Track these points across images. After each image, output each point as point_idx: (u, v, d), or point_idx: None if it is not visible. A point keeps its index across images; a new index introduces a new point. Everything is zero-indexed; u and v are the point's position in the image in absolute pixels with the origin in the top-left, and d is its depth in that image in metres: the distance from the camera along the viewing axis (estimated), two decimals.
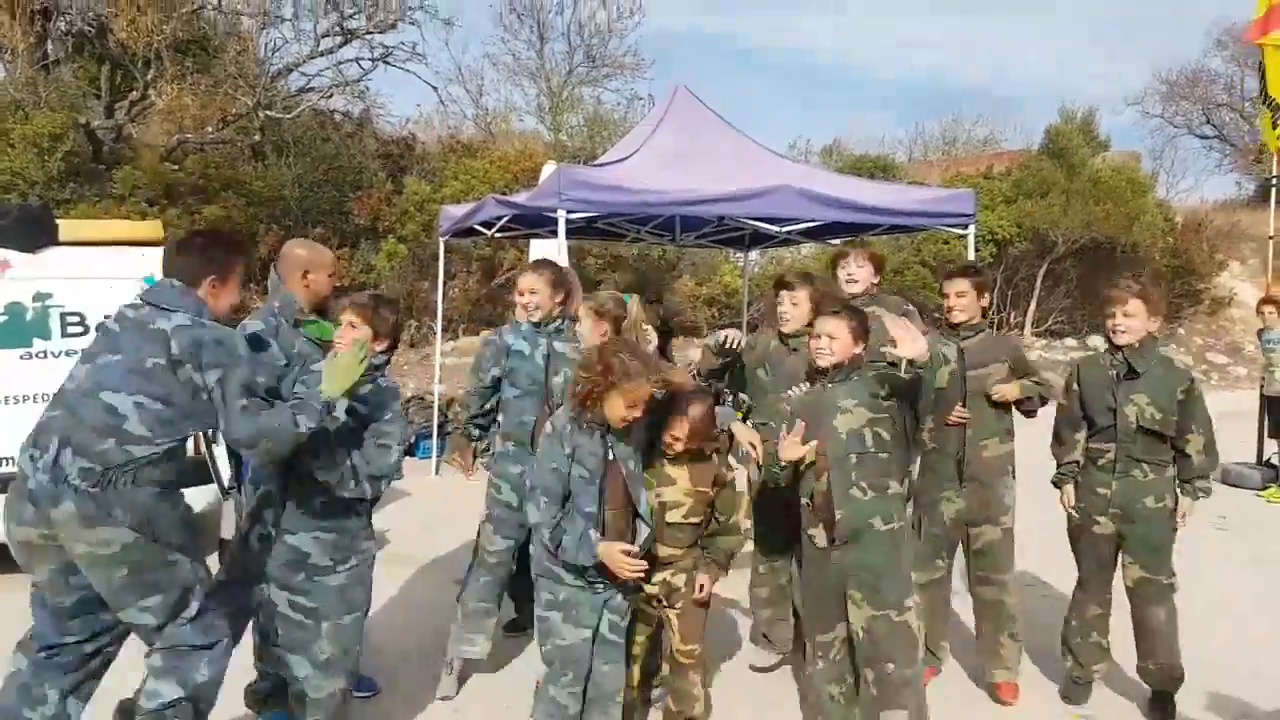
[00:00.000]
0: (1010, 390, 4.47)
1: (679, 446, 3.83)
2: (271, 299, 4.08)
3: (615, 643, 3.72)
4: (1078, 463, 4.46)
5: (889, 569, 3.65)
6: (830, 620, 3.78)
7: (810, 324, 4.24)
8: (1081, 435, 4.47)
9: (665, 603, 3.96)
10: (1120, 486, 4.30)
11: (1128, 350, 4.27)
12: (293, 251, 4.16)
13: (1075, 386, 4.48)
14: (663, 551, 3.87)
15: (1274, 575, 6.60)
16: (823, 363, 3.80)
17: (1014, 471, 4.60)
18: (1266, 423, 9.68)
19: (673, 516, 3.86)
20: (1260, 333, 9.65)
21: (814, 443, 3.73)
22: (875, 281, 4.85)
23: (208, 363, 3.15)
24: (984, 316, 4.64)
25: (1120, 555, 4.38)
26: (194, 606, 3.26)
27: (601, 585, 3.65)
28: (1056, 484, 4.55)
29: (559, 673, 3.64)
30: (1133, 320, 4.25)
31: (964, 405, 4.47)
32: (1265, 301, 9.56)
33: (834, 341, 3.76)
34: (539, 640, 3.73)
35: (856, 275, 4.79)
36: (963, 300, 4.54)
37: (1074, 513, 4.47)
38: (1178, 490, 4.31)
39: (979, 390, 4.48)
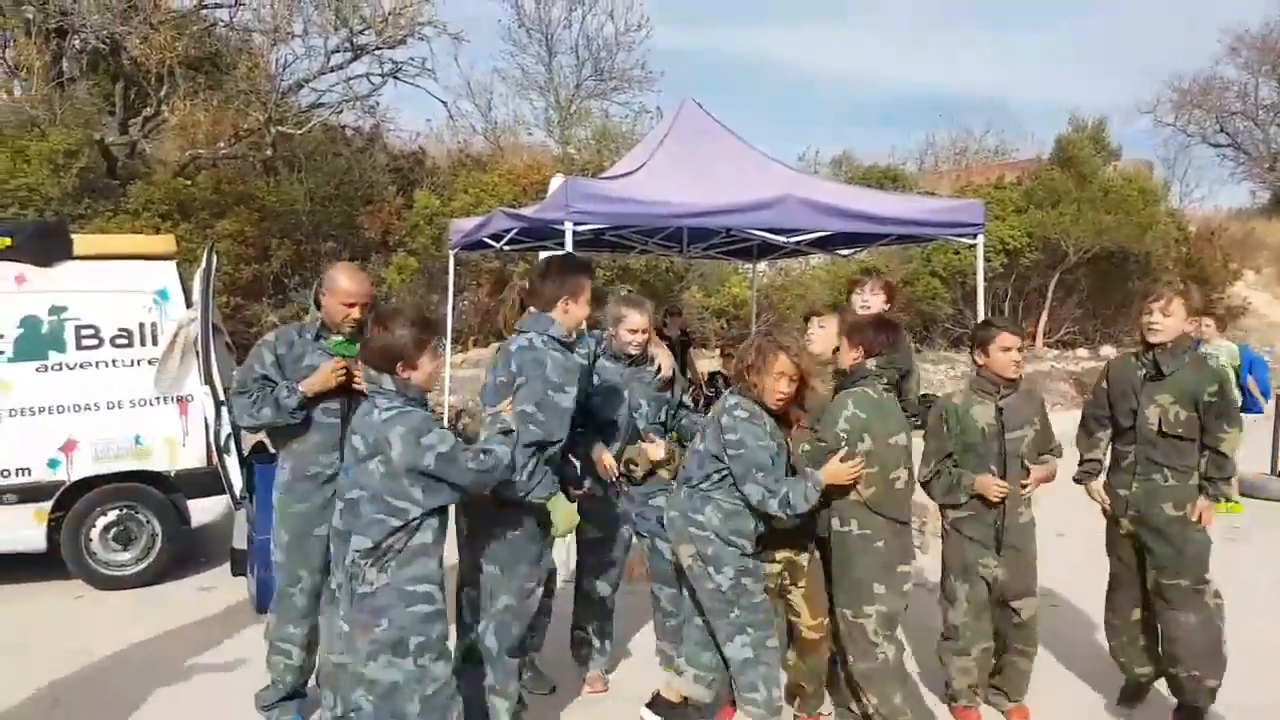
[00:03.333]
0: (1040, 478, 4.28)
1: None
2: (310, 316, 4.40)
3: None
4: (1099, 461, 4.42)
5: (843, 571, 4.01)
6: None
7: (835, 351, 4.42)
8: (1105, 434, 4.42)
9: (790, 580, 4.15)
10: (1140, 490, 4.22)
11: (1159, 350, 4.16)
12: (333, 276, 4.31)
13: (1104, 384, 4.42)
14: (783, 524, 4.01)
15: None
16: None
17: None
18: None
19: None
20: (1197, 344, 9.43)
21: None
22: (887, 309, 5.01)
23: None
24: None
25: (1144, 557, 4.28)
26: None
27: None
28: (1078, 481, 4.52)
29: (766, 625, 3.93)
30: (1170, 320, 4.14)
31: (1004, 472, 4.19)
32: (1201, 313, 9.21)
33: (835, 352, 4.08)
34: (731, 608, 3.92)
35: (870, 302, 5.07)
36: (1015, 355, 4.26)
37: (1105, 508, 4.40)
38: (1201, 490, 4.17)
39: (1015, 452, 4.21)
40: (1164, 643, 4.26)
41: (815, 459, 3.94)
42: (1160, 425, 4.13)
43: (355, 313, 4.18)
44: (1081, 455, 4.50)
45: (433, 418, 3.26)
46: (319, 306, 4.28)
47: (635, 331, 4.56)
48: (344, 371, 4.11)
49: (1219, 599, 4.21)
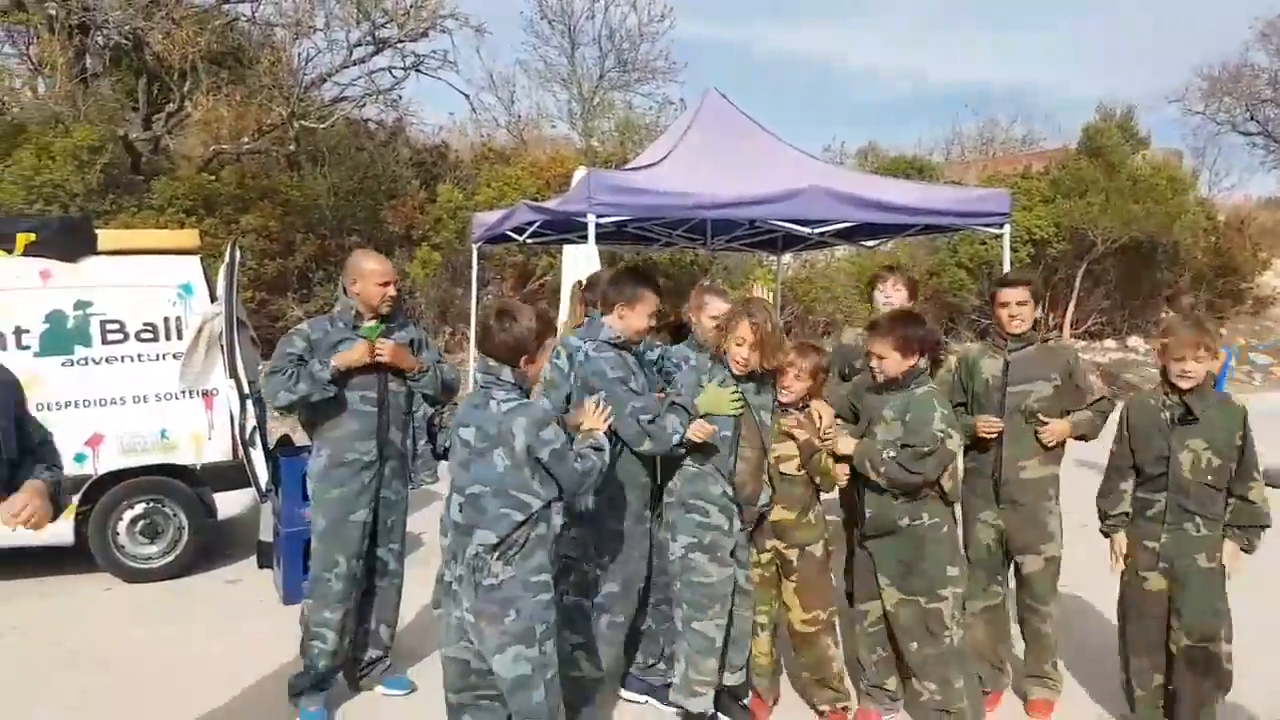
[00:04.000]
0: (1058, 431, 4.25)
1: (796, 387, 4.20)
2: (336, 305, 4.53)
3: (748, 591, 4.17)
4: (1127, 514, 4.12)
5: (915, 561, 4.05)
6: (863, 596, 4.28)
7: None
8: (1130, 485, 4.12)
9: (782, 573, 4.26)
10: (1170, 540, 3.95)
11: (1189, 394, 3.91)
12: (356, 261, 4.44)
13: (1125, 432, 4.12)
14: (776, 514, 4.18)
15: None
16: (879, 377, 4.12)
17: (1058, 495, 4.39)
18: None
19: (786, 468, 4.18)
20: None
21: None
22: (910, 305, 5.04)
23: None
24: (1034, 328, 4.38)
25: (1169, 617, 3.99)
26: None
27: (735, 527, 4.08)
28: (1106, 534, 4.22)
29: (704, 607, 3.99)
30: (1201, 365, 3.89)
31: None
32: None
33: (883, 361, 4.06)
34: (676, 579, 4.08)
35: (893, 298, 5.12)
36: (1023, 309, 4.30)
37: (1124, 564, 4.12)
38: (1224, 536, 3.93)
39: (1017, 407, 4.26)
40: (1179, 701, 4.01)
41: (907, 461, 3.96)
42: (1193, 471, 3.89)
43: (390, 290, 4.36)
44: (1106, 512, 4.19)
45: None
46: (347, 295, 4.38)
47: (716, 318, 4.21)
48: (374, 352, 4.28)
49: (1230, 662, 3.99)
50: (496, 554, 3.20)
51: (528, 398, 3.38)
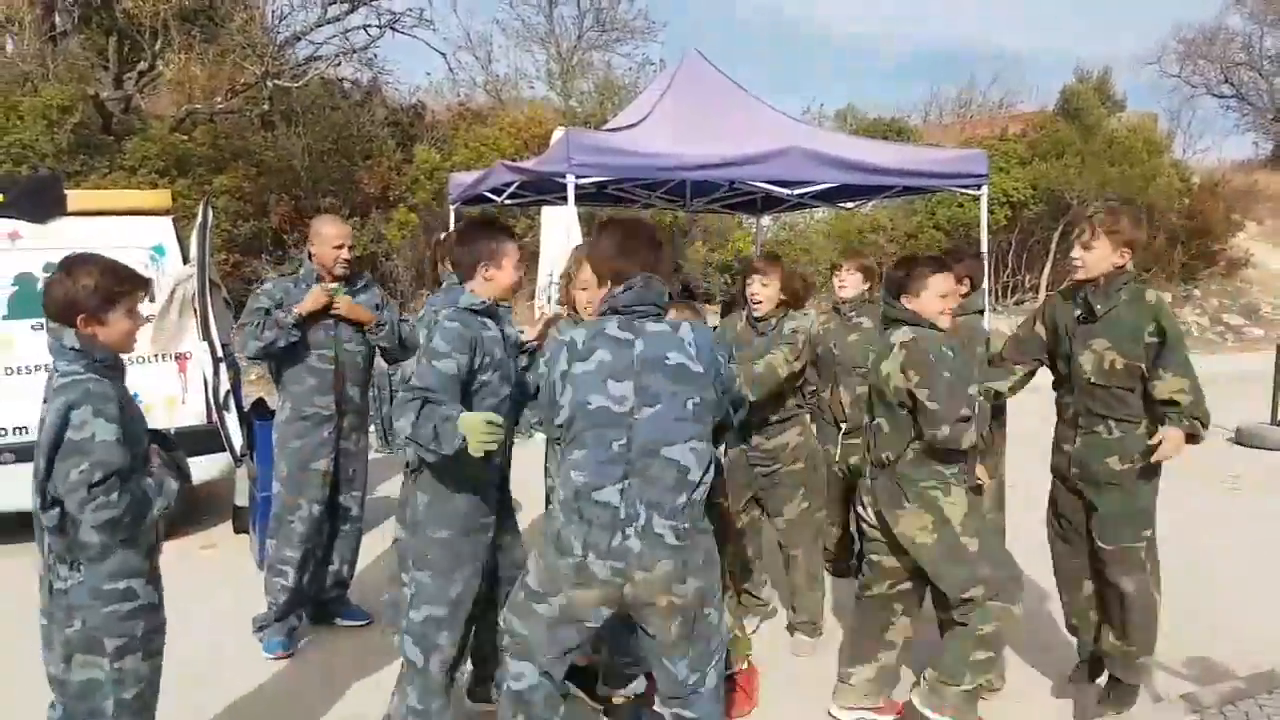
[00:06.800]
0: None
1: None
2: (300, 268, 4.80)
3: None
4: (998, 393, 4.02)
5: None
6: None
7: (779, 306, 4.49)
8: (1021, 368, 4.02)
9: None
10: (1082, 443, 3.78)
11: (1089, 288, 3.71)
12: (318, 227, 4.77)
13: (1039, 326, 3.98)
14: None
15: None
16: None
17: None
18: None
19: None
20: None
21: None
22: (866, 288, 5.26)
23: None
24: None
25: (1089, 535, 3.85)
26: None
27: None
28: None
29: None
30: (1090, 253, 3.68)
31: None
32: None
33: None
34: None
35: (846, 282, 5.28)
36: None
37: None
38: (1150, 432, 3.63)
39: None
40: (1102, 610, 3.90)
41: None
42: (1094, 373, 3.69)
43: (345, 253, 4.67)
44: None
45: None
46: (311, 259, 4.72)
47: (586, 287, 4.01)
48: (330, 302, 4.59)
49: (1156, 563, 3.83)
50: (59, 558, 2.83)
51: (115, 366, 2.94)
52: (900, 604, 3.87)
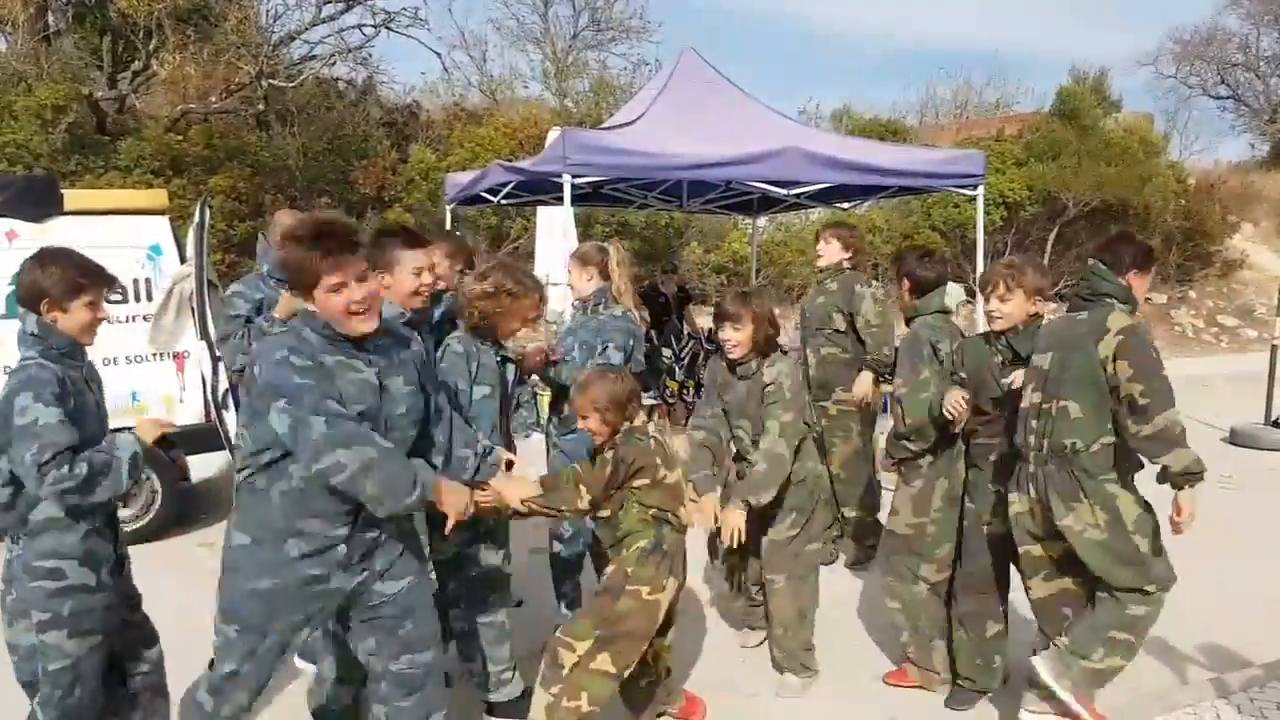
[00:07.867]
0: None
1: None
2: (259, 264, 4.73)
3: None
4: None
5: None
6: None
7: (751, 349, 4.12)
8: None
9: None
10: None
11: (1010, 334, 3.81)
12: (278, 219, 4.68)
13: (959, 371, 3.99)
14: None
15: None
16: None
17: None
18: None
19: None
20: None
21: None
22: (846, 257, 5.47)
23: None
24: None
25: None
26: None
27: None
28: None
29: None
30: (1010, 305, 3.77)
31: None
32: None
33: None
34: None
35: (822, 251, 5.51)
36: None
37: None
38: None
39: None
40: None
41: None
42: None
43: None
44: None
45: None
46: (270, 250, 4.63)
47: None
48: None
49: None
50: (5, 531, 3.03)
51: (72, 355, 3.06)
52: (1068, 608, 3.66)
